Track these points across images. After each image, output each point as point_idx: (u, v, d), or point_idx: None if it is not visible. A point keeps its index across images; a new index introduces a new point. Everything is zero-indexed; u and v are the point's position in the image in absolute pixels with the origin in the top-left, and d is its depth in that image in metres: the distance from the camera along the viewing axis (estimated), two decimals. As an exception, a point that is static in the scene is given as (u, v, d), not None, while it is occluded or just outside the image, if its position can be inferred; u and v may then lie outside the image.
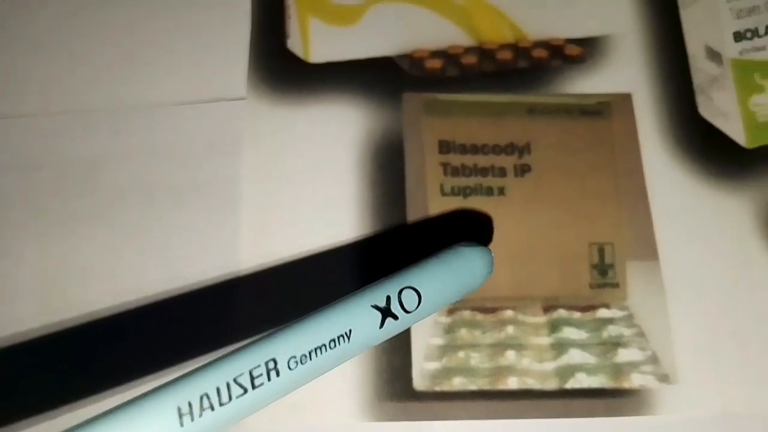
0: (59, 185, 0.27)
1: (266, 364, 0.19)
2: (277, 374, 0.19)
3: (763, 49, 0.29)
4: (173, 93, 0.28)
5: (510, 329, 0.25)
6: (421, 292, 0.21)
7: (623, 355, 0.24)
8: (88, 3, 0.29)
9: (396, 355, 0.25)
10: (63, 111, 0.28)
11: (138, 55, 0.29)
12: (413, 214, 0.26)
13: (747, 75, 0.29)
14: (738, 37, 0.29)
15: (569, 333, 0.25)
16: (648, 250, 0.26)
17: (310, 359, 0.19)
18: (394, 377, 0.25)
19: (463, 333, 0.25)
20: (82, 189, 0.27)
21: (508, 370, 0.24)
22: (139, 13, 0.29)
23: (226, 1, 0.29)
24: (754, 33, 0.29)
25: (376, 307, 0.20)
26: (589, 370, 0.24)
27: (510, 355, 0.25)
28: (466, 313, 0.25)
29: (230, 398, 0.18)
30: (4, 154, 0.28)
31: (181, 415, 0.18)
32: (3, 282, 0.26)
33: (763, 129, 0.28)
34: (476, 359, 0.25)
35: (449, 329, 0.25)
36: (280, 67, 0.28)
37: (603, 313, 0.25)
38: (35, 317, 0.26)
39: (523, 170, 0.27)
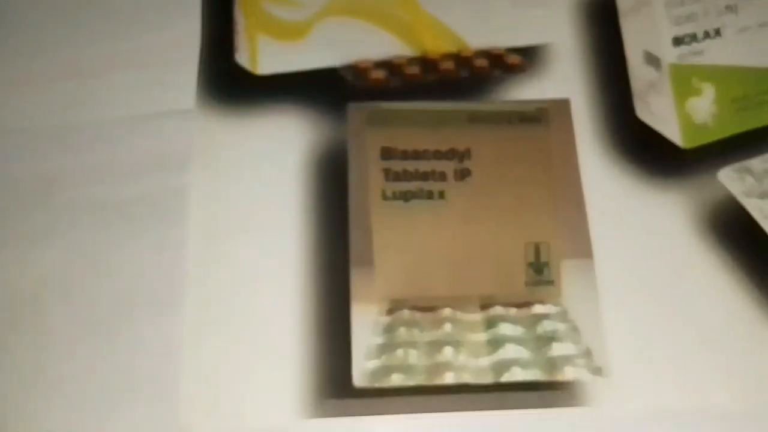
0: (12, 203, 0.28)
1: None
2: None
3: (701, 53, 0.30)
4: (121, 108, 0.29)
5: (448, 327, 0.25)
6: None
7: (557, 350, 0.25)
8: (34, 23, 0.31)
9: (337, 354, 0.25)
10: (13, 129, 0.29)
11: (86, 71, 0.30)
12: (355, 219, 0.27)
13: (685, 79, 0.29)
14: (677, 42, 0.30)
15: (505, 329, 0.25)
16: (583, 249, 0.26)
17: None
18: (334, 376, 0.25)
19: (402, 332, 0.25)
20: (35, 205, 0.28)
21: (446, 366, 0.25)
22: (85, 29, 0.30)
23: (176, 18, 0.30)
24: (693, 38, 0.30)
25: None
26: (523, 364, 0.25)
27: (447, 352, 0.25)
28: (406, 313, 0.26)
29: None
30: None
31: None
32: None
33: (699, 130, 0.29)
34: (414, 356, 0.25)
35: (389, 329, 0.26)
36: (228, 80, 0.29)
37: (538, 309, 0.26)
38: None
39: (463, 174, 0.28)
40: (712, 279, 0.26)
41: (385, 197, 0.27)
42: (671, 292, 0.26)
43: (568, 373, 0.24)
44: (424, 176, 0.28)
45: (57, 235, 0.28)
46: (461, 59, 0.30)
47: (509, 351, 0.25)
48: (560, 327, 0.25)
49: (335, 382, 0.25)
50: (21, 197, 0.29)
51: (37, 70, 0.30)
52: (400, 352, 0.25)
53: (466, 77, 0.30)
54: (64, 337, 0.27)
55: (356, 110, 0.29)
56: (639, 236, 0.27)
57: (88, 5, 0.30)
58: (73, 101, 0.30)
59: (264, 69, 0.29)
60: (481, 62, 0.30)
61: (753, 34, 0.30)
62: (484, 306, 0.26)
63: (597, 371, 0.24)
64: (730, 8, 0.31)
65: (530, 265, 0.26)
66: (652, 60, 0.30)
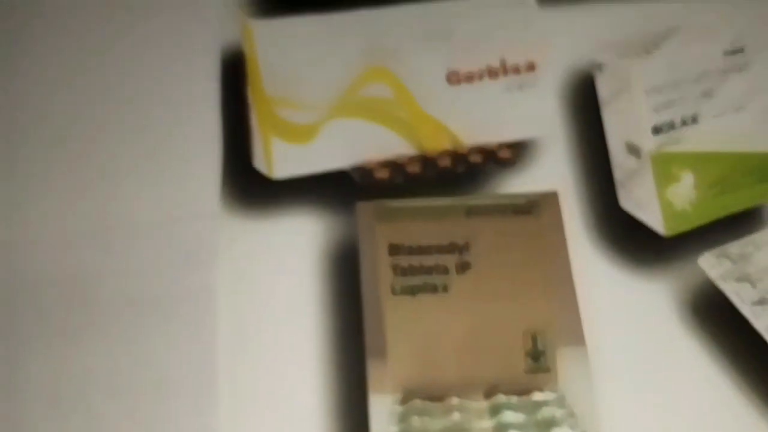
0: (55, 302, 0.31)
1: None
2: None
3: (679, 141, 0.32)
4: (152, 211, 0.32)
5: (456, 416, 0.28)
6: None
7: (556, 435, 0.27)
8: (70, 135, 0.33)
9: (356, 442, 0.28)
10: (54, 233, 0.32)
11: (118, 178, 0.32)
12: (368, 312, 0.30)
13: (665, 167, 0.32)
14: (656, 131, 0.32)
15: (508, 416, 0.28)
16: (576, 337, 0.29)
17: None
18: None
19: (415, 420, 0.28)
20: (78, 304, 0.30)
21: (456, 452, 0.28)
22: (115, 140, 0.33)
23: (196, 126, 0.33)
24: (671, 126, 0.32)
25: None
26: (526, 449, 0.27)
27: (457, 439, 0.28)
28: (418, 402, 0.28)
29: None
30: (8, 275, 0.31)
31: None
32: (14, 389, 0.30)
33: (680, 217, 0.31)
34: (427, 444, 0.28)
35: (403, 417, 0.28)
36: (247, 184, 0.32)
37: (537, 396, 0.28)
38: (46, 423, 0.29)
39: (463, 267, 0.30)
40: (696, 363, 0.29)
41: (394, 292, 0.30)
42: (660, 377, 0.28)
43: (567, 457, 0.27)
44: (429, 270, 0.30)
45: (98, 330, 0.31)
46: (457, 156, 0.32)
47: (513, 437, 0.28)
48: (559, 413, 0.28)
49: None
50: (63, 296, 0.31)
51: (72, 176, 0.33)
52: (414, 439, 0.28)
53: (462, 172, 0.32)
54: (107, 427, 0.30)
55: (364, 208, 0.32)
56: (627, 322, 0.29)
57: (117, 119, 0.33)
58: (107, 206, 0.32)
59: (279, 173, 0.32)
60: (476, 158, 0.32)
61: (729, 119, 0.33)
62: (489, 394, 0.28)
63: (593, 454, 0.27)
64: (707, 94, 0.33)
65: (528, 353, 0.29)
66: (633, 149, 0.32)
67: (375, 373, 0.29)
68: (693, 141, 0.32)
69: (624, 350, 0.29)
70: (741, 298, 0.30)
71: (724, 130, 0.32)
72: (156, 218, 0.32)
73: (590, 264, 0.30)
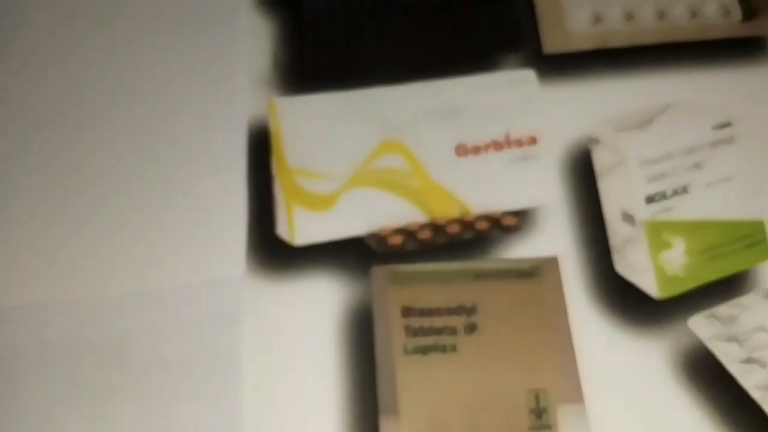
0: (93, 364, 0.33)
1: None
2: None
3: (670, 209, 0.35)
4: (181, 275, 0.34)
5: (465, 471, 0.30)
6: None
7: (557, 488, 0.29)
8: (105, 203, 0.36)
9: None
10: (88, 297, 0.34)
11: (149, 243, 0.35)
12: (382, 372, 0.32)
13: (657, 234, 0.34)
14: (649, 200, 0.35)
15: (513, 470, 0.30)
16: (576, 395, 0.31)
17: None
18: None
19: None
20: (111, 366, 0.33)
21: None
22: (147, 207, 0.36)
23: (224, 195, 0.36)
24: (663, 196, 0.35)
25: None
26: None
27: (466, 493, 0.30)
28: (429, 457, 0.30)
29: None
30: (43, 336, 0.34)
31: None
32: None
33: (672, 281, 0.34)
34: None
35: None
36: (271, 250, 0.35)
37: (540, 451, 0.30)
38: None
39: (471, 329, 0.32)
40: (688, 419, 0.31)
41: (406, 352, 0.32)
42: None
43: None
44: (439, 332, 0.33)
45: (129, 392, 0.33)
46: (465, 223, 0.35)
47: (518, 490, 0.29)
48: (559, 467, 0.30)
49: None
50: (96, 358, 0.34)
51: (106, 241, 0.36)
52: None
53: (469, 238, 0.35)
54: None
55: (379, 272, 0.34)
56: (623, 381, 0.31)
57: (151, 188, 0.36)
58: (138, 271, 0.35)
59: (300, 240, 0.35)
60: (482, 224, 0.35)
61: (717, 188, 0.35)
62: (495, 450, 0.30)
63: (590, 508, 0.29)
64: (697, 166, 0.35)
65: (531, 410, 0.31)
66: (628, 217, 0.34)
67: (387, 428, 0.31)
68: (684, 210, 0.34)
69: (620, 407, 0.31)
70: (729, 357, 0.32)
71: (713, 200, 0.35)
72: (184, 282, 0.35)
73: (589, 325, 0.32)
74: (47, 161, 0.37)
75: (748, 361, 0.32)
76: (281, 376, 0.33)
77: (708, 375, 0.32)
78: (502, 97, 0.37)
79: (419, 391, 0.32)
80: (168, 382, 0.33)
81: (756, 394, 0.32)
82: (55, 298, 0.35)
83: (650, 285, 0.33)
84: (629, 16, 0.39)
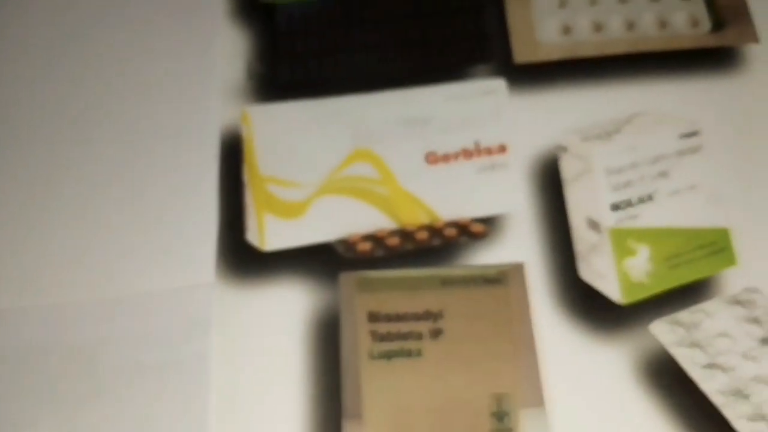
0: (63, 369, 0.33)
1: None
2: None
3: (636, 217, 0.35)
4: (152, 282, 0.35)
5: (426, 473, 0.30)
6: None
7: (516, 492, 0.30)
8: (77, 210, 0.36)
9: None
10: (62, 303, 0.35)
11: (120, 250, 0.36)
12: (347, 376, 0.32)
13: (622, 241, 0.34)
14: (615, 207, 0.35)
15: (474, 473, 0.30)
16: (537, 399, 0.31)
17: None
18: None
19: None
20: (83, 370, 0.33)
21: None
22: (119, 214, 0.36)
23: (195, 202, 0.36)
24: (628, 203, 0.35)
25: None
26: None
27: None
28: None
29: None
30: (17, 342, 0.34)
31: None
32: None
33: (636, 287, 0.34)
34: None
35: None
36: (241, 256, 0.35)
37: (501, 454, 0.30)
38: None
39: (436, 333, 0.33)
40: (649, 423, 0.31)
41: (372, 356, 0.33)
42: (614, 436, 0.31)
43: None
44: (404, 336, 0.33)
45: (101, 396, 0.33)
46: (433, 229, 0.35)
47: (478, 492, 0.30)
48: (518, 471, 0.30)
49: None
50: (70, 364, 0.34)
51: (78, 247, 0.36)
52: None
53: (437, 245, 0.35)
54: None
55: (347, 279, 0.34)
56: (586, 385, 0.32)
57: (122, 194, 0.37)
58: (111, 277, 0.35)
59: (270, 246, 0.35)
60: (450, 231, 0.35)
61: (683, 196, 0.35)
62: (457, 452, 0.31)
63: None
64: (663, 174, 0.36)
65: (493, 414, 0.31)
66: (593, 225, 0.35)
67: (352, 432, 0.31)
68: (649, 217, 0.35)
69: (582, 411, 0.31)
70: (691, 363, 0.32)
71: (678, 208, 0.35)
72: (157, 289, 0.35)
73: (553, 331, 0.33)
74: (23, 169, 0.38)
75: (710, 366, 0.33)
76: (248, 381, 0.33)
77: (670, 380, 0.32)
78: (473, 106, 0.38)
79: (383, 395, 0.32)
80: (138, 387, 0.33)
81: (717, 399, 0.32)
82: (30, 303, 0.35)
83: (614, 291, 0.34)
84: (598, 27, 0.39)
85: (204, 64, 0.39)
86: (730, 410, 0.32)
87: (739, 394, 0.32)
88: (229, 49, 0.39)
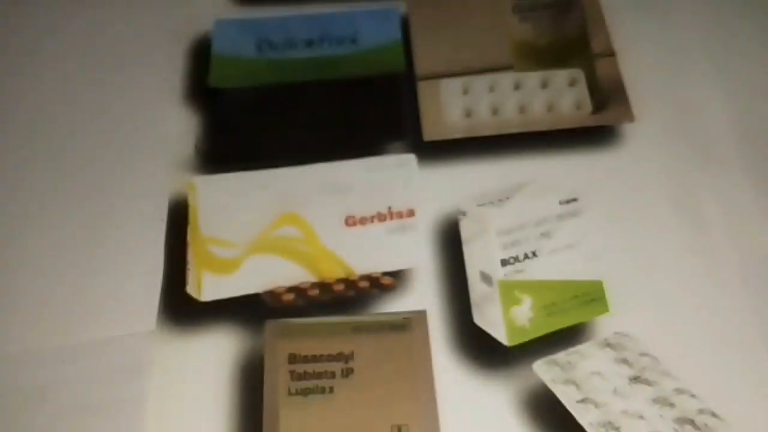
0: (16, 408, 0.37)
1: None
2: None
3: (521, 271, 0.40)
4: (103, 330, 0.39)
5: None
6: None
7: None
8: (41, 263, 0.41)
9: None
10: (20, 349, 0.39)
11: (75, 300, 0.40)
12: (267, 410, 0.36)
13: (509, 292, 0.40)
14: (504, 263, 0.40)
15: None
16: (433, 429, 0.36)
17: None
18: None
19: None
20: (35, 410, 0.37)
21: None
22: (74, 266, 0.41)
23: (142, 259, 0.41)
24: (516, 259, 0.41)
25: None
26: None
27: None
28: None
29: None
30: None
31: None
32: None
33: (520, 331, 0.39)
34: None
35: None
36: (180, 306, 0.40)
37: (397, 478, 0.34)
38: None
39: (347, 372, 0.37)
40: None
41: (290, 393, 0.37)
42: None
43: None
44: (319, 376, 0.37)
45: (54, 432, 0.37)
46: (349, 282, 0.40)
47: None
48: (412, 492, 0.34)
49: None
50: (23, 403, 0.38)
51: (36, 299, 0.41)
52: None
53: (352, 296, 0.40)
54: None
55: (271, 325, 0.39)
56: (476, 418, 0.36)
57: (77, 247, 0.41)
58: (66, 324, 0.40)
59: (206, 297, 0.40)
60: (364, 284, 0.40)
61: (562, 255, 0.41)
62: (360, 477, 0.35)
63: None
64: (545, 235, 0.41)
65: (393, 443, 0.35)
66: (486, 278, 0.40)
67: (270, 461, 0.35)
68: (532, 272, 0.40)
69: (471, 441, 0.35)
70: (568, 398, 0.37)
71: (557, 264, 0.41)
72: (104, 336, 0.39)
73: (448, 371, 0.37)
74: None
75: (585, 401, 0.37)
76: (181, 417, 0.37)
77: (550, 413, 0.37)
78: (387, 176, 0.43)
79: (298, 428, 0.36)
80: (86, 424, 0.37)
81: (591, 430, 0.36)
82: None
83: (502, 334, 0.39)
84: (495, 111, 0.46)
85: (156, 140, 0.45)
86: (603, 440, 0.36)
87: (610, 426, 0.37)
88: (180, 127, 0.45)
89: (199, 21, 0.49)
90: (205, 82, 0.47)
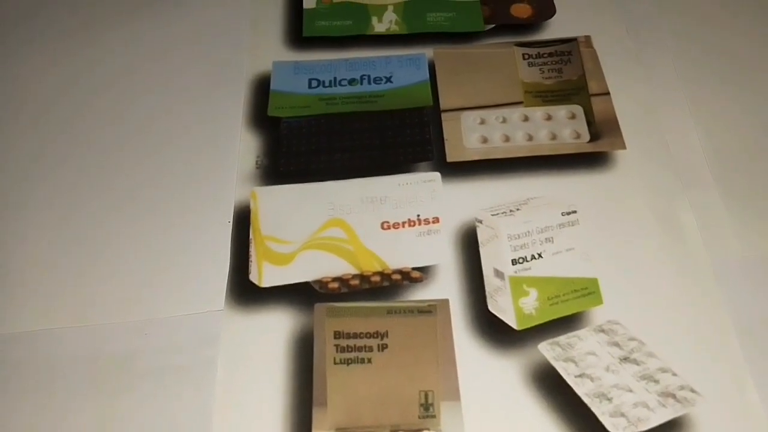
0: (104, 371, 0.41)
1: None
2: None
3: (529, 269, 0.44)
4: (178, 308, 0.44)
5: (368, 446, 0.38)
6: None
7: (435, 460, 0.37)
8: (119, 252, 0.46)
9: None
10: (102, 323, 0.43)
11: (158, 285, 0.45)
12: (317, 377, 0.40)
13: (518, 286, 0.43)
14: (514, 262, 0.44)
15: (405, 446, 0.38)
16: (454, 395, 0.39)
17: None
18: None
19: (343, 449, 0.38)
20: (120, 372, 0.42)
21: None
22: (142, 244, 0.46)
23: (214, 253, 0.46)
24: (524, 259, 0.44)
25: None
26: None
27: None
28: (344, 437, 0.38)
29: None
30: (70, 353, 0.42)
31: None
32: None
33: (527, 318, 0.43)
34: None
35: (334, 447, 0.38)
36: (245, 291, 0.44)
37: (425, 432, 0.38)
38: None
39: (383, 348, 0.41)
40: (536, 417, 0.39)
41: (335, 363, 0.41)
42: (510, 426, 0.38)
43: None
44: (359, 349, 0.41)
45: (135, 390, 0.41)
46: (384, 275, 0.44)
47: (406, 460, 0.37)
48: (437, 444, 0.37)
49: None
50: (109, 367, 0.42)
51: (126, 278, 0.45)
52: (341, 462, 0.37)
53: (386, 286, 0.44)
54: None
55: (319, 308, 0.43)
56: (490, 387, 0.40)
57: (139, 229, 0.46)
58: (150, 303, 0.44)
59: (265, 284, 0.44)
60: (396, 276, 0.44)
61: (562, 255, 0.45)
62: (393, 431, 0.38)
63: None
64: (548, 239, 0.45)
65: (421, 405, 0.39)
66: (498, 274, 0.44)
67: (318, 417, 0.39)
68: (538, 270, 0.44)
69: (486, 406, 0.39)
70: (567, 373, 0.40)
71: (559, 264, 0.44)
72: (179, 312, 0.44)
73: (467, 347, 0.41)
74: (59, 203, 0.48)
75: (581, 376, 0.41)
76: (245, 380, 0.41)
77: (552, 385, 0.40)
78: (416, 190, 0.48)
79: (342, 390, 0.40)
80: (163, 383, 0.41)
81: (586, 400, 0.40)
82: (77, 324, 0.44)
83: (512, 320, 0.42)
84: (507, 139, 0.50)
85: (227, 157, 0.50)
86: (597, 408, 0.40)
87: (603, 396, 0.40)
88: (244, 147, 0.50)
89: (260, 62, 0.55)
90: (265, 112, 0.52)
